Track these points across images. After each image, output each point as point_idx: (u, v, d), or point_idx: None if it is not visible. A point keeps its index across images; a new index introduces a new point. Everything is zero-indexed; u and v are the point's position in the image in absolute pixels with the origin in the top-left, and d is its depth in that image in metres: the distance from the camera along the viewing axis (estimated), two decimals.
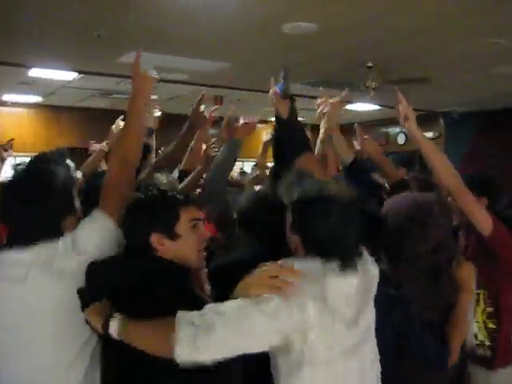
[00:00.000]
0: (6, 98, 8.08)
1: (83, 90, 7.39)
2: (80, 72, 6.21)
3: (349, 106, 8.48)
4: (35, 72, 6.10)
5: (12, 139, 4.47)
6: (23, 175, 1.76)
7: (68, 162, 1.86)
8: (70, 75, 6.35)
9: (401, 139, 10.06)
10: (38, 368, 1.63)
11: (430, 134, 9.99)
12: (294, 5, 3.92)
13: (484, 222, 2.21)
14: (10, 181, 1.77)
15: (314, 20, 4.27)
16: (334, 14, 4.11)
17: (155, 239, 1.58)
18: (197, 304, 1.44)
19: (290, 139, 1.98)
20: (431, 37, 4.77)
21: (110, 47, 5.06)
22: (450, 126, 9.64)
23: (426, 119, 9.85)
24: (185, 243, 1.62)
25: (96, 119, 8.65)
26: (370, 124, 9.34)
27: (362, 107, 8.47)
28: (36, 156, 1.84)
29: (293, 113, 1.99)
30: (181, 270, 1.61)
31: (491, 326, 2.53)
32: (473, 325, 2.54)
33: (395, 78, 5.49)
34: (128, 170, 1.80)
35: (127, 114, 1.89)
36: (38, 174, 1.75)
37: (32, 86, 6.99)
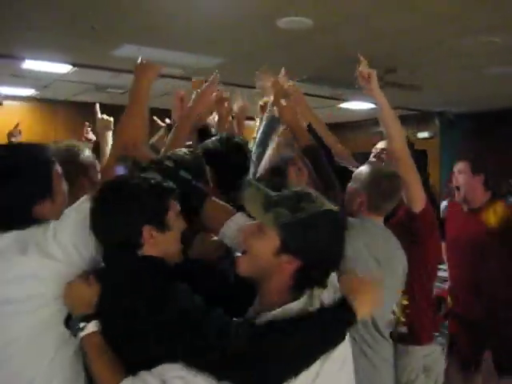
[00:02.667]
0: None
1: (78, 83, 7.34)
2: (74, 65, 6.16)
3: (344, 105, 8.47)
4: (28, 64, 6.03)
5: (18, 124, 4.46)
6: None
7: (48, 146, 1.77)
8: (64, 68, 6.28)
9: None
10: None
11: (425, 134, 10.01)
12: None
13: (419, 197, 2.31)
14: None
15: (309, 15, 4.24)
16: (329, 9, 4.10)
17: (147, 232, 1.49)
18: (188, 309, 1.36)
19: None
20: (424, 35, 4.76)
21: (104, 40, 5.02)
22: (445, 126, 9.64)
23: (421, 119, 9.88)
24: (172, 236, 1.56)
25: (92, 114, 8.63)
26: (365, 123, 9.36)
27: (357, 106, 8.46)
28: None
29: None
30: (168, 268, 1.53)
31: (404, 302, 2.55)
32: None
33: (391, 80, 5.48)
34: (135, 152, 1.77)
35: (129, 100, 1.88)
36: (5, 153, 1.65)
37: (26, 78, 6.94)
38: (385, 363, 2.19)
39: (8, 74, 6.76)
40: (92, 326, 1.43)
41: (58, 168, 1.71)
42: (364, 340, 2.11)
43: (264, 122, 2.65)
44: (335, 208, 1.44)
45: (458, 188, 3.28)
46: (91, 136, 3.82)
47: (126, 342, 1.39)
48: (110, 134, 3.11)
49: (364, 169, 2.32)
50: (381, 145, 2.73)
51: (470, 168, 3.25)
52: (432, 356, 2.67)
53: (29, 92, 8.13)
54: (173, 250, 1.58)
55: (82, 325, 1.43)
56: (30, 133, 8.54)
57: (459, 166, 3.31)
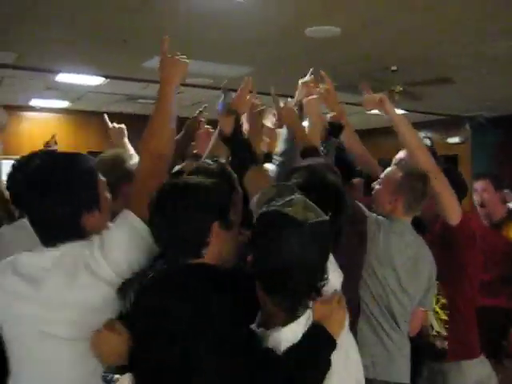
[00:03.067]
0: (34, 102, 8.24)
1: (110, 94, 7.50)
2: (106, 77, 6.31)
3: (373, 110, 8.43)
4: (62, 77, 6.21)
5: (54, 135, 4.56)
6: (37, 164, 1.55)
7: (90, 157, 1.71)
8: (96, 80, 6.45)
9: None
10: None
11: (456, 139, 9.88)
12: (317, 8, 3.93)
13: (454, 208, 2.27)
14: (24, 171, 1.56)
15: (337, 23, 4.27)
16: (356, 16, 4.11)
17: (216, 229, 1.40)
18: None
19: (235, 154, 1.92)
20: (454, 39, 4.74)
21: (135, 52, 5.14)
22: (476, 131, 9.51)
23: (451, 124, 9.76)
24: (233, 234, 1.48)
25: (123, 124, 8.77)
26: (392, 129, 9.29)
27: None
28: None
29: (237, 128, 1.97)
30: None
31: (444, 317, 2.51)
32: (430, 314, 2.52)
33: (419, 80, 5.44)
34: (161, 164, 1.65)
35: (156, 104, 1.75)
36: (54, 162, 1.56)
37: (59, 91, 7.12)
38: (400, 353, 2.17)
39: (43, 87, 6.95)
40: (125, 379, 1.35)
41: (102, 178, 1.65)
42: (382, 328, 2.12)
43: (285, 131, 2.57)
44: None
45: (482, 205, 3.47)
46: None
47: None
48: (126, 140, 3.08)
49: (395, 171, 2.31)
50: (401, 154, 2.71)
51: (493, 184, 3.46)
52: (485, 370, 2.58)
53: (63, 104, 8.33)
54: (231, 251, 1.49)
55: (115, 377, 1.36)
56: (64, 143, 8.71)
57: (482, 184, 3.51)
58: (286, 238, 1.23)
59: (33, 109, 8.59)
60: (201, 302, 1.28)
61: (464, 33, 4.57)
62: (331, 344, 1.31)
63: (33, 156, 1.57)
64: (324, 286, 1.31)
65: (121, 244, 1.48)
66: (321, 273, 1.30)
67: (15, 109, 8.55)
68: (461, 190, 2.53)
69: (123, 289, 1.45)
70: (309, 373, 1.28)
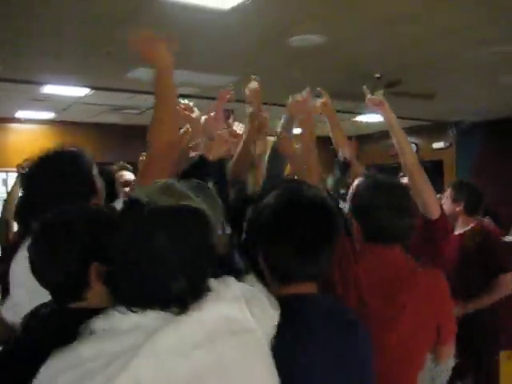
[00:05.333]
0: (20, 114, 8.19)
1: (95, 105, 7.48)
2: (91, 88, 6.30)
3: (358, 118, 8.50)
4: (48, 88, 6.20)
5: (26, 159, 4.49)
6: (38, 165, 1.72)
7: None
8: (81, 91, 6.44)
9: None
10: None
11: (440, 144, 9.98)
12: (301, 17, 3.98)
13: (434, 204, 2.33)
14: (27, 173, 1.74)
15: (322, 32, 4.31)
16: (341, 25, 4.16)
17: (94, 270, 1.29)
18: None
19: None
20: (437, 47, 4.81)
21: (119, 63, 5.14)
22: (460, 136, 9.62)
23: (436, 129, 9.87)
24: None
25: (109, 134, 8.79)
26: (381, 135, 9.37)
27: (372, 118, 8.49)
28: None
29: None
30: None
31: None
32: None
33: (403, 90, 5.50)
34: (172, 150, 1.70)
35: (156, 97, 1.73)
36: (55, 158, 1.72)
37: (45, 102, 7.10)
38: None
39: (29, 98, 6.92)
40: None
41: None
42: None
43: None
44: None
45: None
46: None
47: None
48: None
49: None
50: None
51: (451, 195, 3.42)
52: None
53: (48, 115, 8.29)
54: None
55: None
56: None
57: (446, 191, 3.49)
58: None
59: (18, 120, 8.54)
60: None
61: (449, 41, 4.65)
62: None
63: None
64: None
65: None
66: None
67: (0, 121, 8.50)
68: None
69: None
70: None
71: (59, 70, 5.45)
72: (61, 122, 8.78)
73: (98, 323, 1.06)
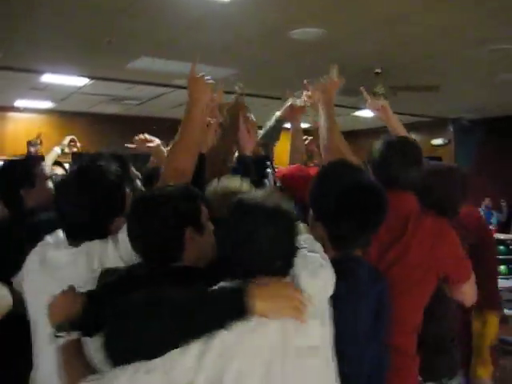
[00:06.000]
0: (19, 103, 8.19)
1: (94, 95, 7.47)
2: (91, 78, 6.29)
3: (357, 113, 8.51)
4: (47, 78, 6.19)
5: (40, 134, 4.47)
6: (74, 175, 1.73)
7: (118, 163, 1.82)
8: (81, 81, 6.43)
9: None
10: None
11: (439, 141, 10.00)
12: (302, 11, 3.97)
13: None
14: (62, 180, 1.76)
15: (321, 26, 4.31)
16: (342, 19, 4.15)
17: (189, 234, 1.49)
18: None
19: None
20: (437, 44, 4.81)
21: (119, 53, 5.13)
22: (459, 133, 9.63)
23: (435, 125, 9.87)
24: (206, 238, 1.55)
25: (107, 125, 8.80)
26: (379, 130, 9.38)
27: (371, 113, 8.48)
28: (88, 156, 1.81)
29: None
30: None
31: None
32: None
33: (403, 85, 5.50)
34: (183, 180, 1.74)
35: (182, 125, 1.83)
36: (89, 174, 1.71)
37: (44, 91, 7.09)
38: None
39: (27, 88, 6.91)
40: (75, 335, 1.40)
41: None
42: None
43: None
44: None
45: None
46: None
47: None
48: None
49: None
50: None
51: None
52: None
53: (47, 104, 8.29)
54: (206, 254, 1.55)
55: (66, 334, 1.41)
56: (48, 144, 8.67)
57: None
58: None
59: (17, 109, 8.53)
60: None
61: (449, 40, 4.65)
62: (239, 313, 1.25)
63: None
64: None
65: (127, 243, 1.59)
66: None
67: None
68: None
69: (103, 275, 1.52)
70: (197, 316, 1.26)
71: (59, 60, 5.43)
72: (60, 111, 8.77)
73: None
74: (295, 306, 1.29)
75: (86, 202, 1.64)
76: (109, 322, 1.29)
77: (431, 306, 1.92)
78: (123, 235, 1.59)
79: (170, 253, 1.50)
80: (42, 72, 5.95)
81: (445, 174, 2.26)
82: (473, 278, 1.94)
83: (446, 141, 9.91)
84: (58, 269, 1.62)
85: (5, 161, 2.37)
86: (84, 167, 1.74)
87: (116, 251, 1.60)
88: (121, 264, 1.57)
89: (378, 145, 2.05)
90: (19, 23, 4.25)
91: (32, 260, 1.72)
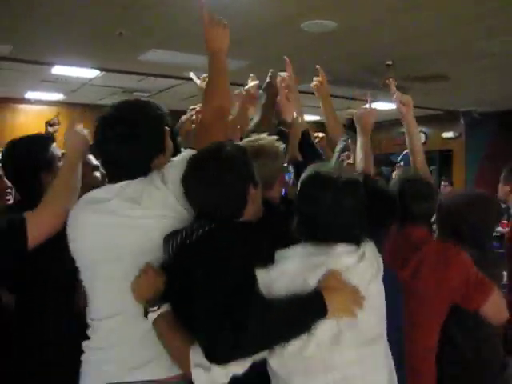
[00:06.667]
0: (29, 95, 8.21)
1: (105, 87, 7.48)
2: (102, 70, 6.29)
3: (367, 105, 8.45)
4: (58, 70, 6.20)
5: (58, 113, 4.48)
6: (114, 112, 1.75)
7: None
8: (92, 73, 6.44)
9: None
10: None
11: (450, 134, 9.94)
12: (313, 2, 3.95)
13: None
14: (103, 117, 1.76)
15: (334, 18, 4.28)
16: (353, 11, 4.13)
17: (250, 190, 1.58)
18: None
19: None
20: (449, 36, 4.77)
21: (131, 45, 5.13)
22: (470, 126, 9.57)
23: (446, 118, 9.81)
24: (259, 192, 1.64)
25: None
26: (389, 123, 9.32)
27: (380, 106, 8.44)
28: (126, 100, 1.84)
29: None
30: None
31: None
32: None
33: (414, 76, 5.46)
34: (223, 114, 1.84)
35: (213, 69, 1.90)
36: (129, 110, 1.76)
37: (55, 83, 7.11)
38: None
39: (38, 79, 6.93)
40: (166, 307, 1.49)
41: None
42: None
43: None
44: None
45: None
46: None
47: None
48: None
49: None
50: None
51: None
52: None
53: (58, 96, 8.30)
54: (259, 207, 1.66)
55: (156, 307, 1.49)
56: (58, 135, 8.71)
57: None
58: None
59: (28, 101, 8.55)
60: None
61: (462, 30, 4.60)
62: (321, 313, 1.38)
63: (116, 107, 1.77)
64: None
65: (178, 177, 1.61)
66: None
67: (10, 101, 8.54)
68: None
69: (167, 241, 1.57)
70: (284, 327, 1.38)
71: (69, 51, 5.44)
72: (70, 103, 8.79)
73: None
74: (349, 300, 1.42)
75: (128, 137, 1.67)
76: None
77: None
78: (173, 176, 1.63)
79: (238, 207, 1.57)
80: (52, 64, 5.96)
81: (482, 204, 2.31)
82: (494, 295, 1.89)
83: (457, 134, 9.85)
84: (106, 201, 1.65)
85: (15, 139, 2.14)
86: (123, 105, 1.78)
87: (162, 183, 1.63)
88: (168, 194, 1.61)
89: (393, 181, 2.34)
90: (30, 16, 4.26)
91: (76, 208, 1.72)
